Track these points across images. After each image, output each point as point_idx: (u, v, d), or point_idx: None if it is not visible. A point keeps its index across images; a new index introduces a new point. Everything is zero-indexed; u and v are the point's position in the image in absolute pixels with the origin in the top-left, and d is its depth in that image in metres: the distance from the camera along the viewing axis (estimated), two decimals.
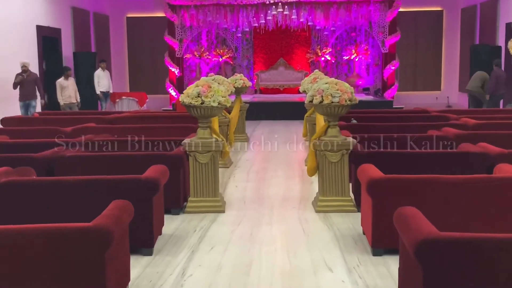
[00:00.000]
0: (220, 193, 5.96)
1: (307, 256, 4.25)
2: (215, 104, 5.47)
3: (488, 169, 5.28)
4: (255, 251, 4.37)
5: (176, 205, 5.50)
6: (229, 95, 8.12)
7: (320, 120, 7.09)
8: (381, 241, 4.23)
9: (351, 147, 5.56)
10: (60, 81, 12.21)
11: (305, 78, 10.76)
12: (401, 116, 9.15)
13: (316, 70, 10.87)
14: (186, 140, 5.68)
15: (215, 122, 7.27)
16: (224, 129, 8.10)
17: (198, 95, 5.48)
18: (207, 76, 13.95)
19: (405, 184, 4.18)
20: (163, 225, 4.86)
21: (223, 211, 5.59)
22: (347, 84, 5.59)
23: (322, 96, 5.47)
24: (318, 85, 5.57)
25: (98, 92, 14.01)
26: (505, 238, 2.71)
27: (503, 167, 4.52)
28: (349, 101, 5.47)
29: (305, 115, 8.26)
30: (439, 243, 2.71)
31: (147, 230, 4.22)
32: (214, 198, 5.62)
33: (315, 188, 6.36)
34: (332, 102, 5.43)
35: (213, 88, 5.52)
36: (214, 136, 5.76)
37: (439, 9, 17.97)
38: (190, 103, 5.47)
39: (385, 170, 4.63)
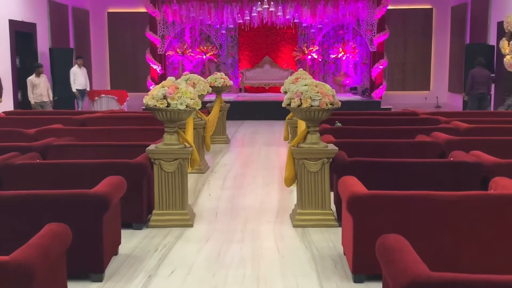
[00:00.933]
0: (190, 204, 5.44)
1: (279, 284, 3.74)
2: (183, 107, 4.95)
3: (482, 181, 4.81)
4: (221, 277, 3.85)
5: (139, 218, 4.98)
6: (206, 95, 7.61)
7: (302, 124, 6.58)
8: (363, 265, 3.73)
9: (332, 156, 5.05)
10: (31, 78, 11.61)
11: (289, 77, 10.27)
12: (389, 119, 8.67)
13: (300, 69, 10.38)
14: (151, 146, 5.15)
15: (190, 125, 6.76)
16: (200, 132, 7.58)
17: (164, 97, 4.95)
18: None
19: (391, 201, 3.68)
20: (119, 243, 4.33)
21: (191, 225, 5.07)
22: (328, 86, 5.08)
23: (300, 99, 4.96)
24: (296, 87, 5.06)
25: (74, 90, 13.41)
26: (503, 281, 2.23)
27: (500, 182, 4.04)
28: (330, 104, 4.96)
29: (287, 117, 7.77)
30: (429, 286, 2.21)
31: (96, 253, 3.68)
32: (182, 210, 5.09)
33: (295, 197, 5.85)
34: (312, 106, 4.92)
35: (180, 90, 4.99)
36: (183, 141, 5.23)
37: (428, 7, 17.54)
38: (155, 105, 4.94)
39: (369, 182, 4.15)
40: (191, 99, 5.03)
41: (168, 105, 4.94)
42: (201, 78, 7.55)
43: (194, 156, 5.31)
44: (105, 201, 3.69)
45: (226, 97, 14.60)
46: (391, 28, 16.23)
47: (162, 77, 16.58)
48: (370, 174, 4.88)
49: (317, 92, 4.94)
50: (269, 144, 10.14)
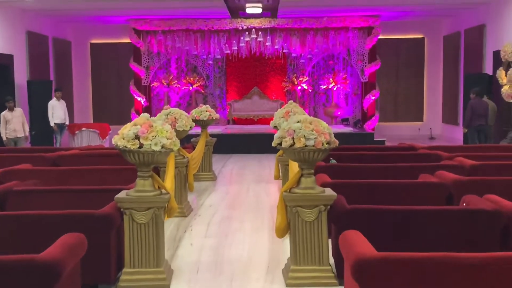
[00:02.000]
0: (166, 259, 4.73)
1: None
2: (157, 148, 4.29)
3: (502, 232, 4.18)
4: None
5: (106, 278, 4.27)
6: (189, 130, 6.98)
7: (294, 164, 5.94)
8: None
9: (331, 202, 4.40)
10: (4, 113, 10.94)
11: (278, 110, 9.68)
12: (386, 154, 8.06)
13: (291, 101, 9.78)
14: (121, 194, 4.46)
15: (170, 164, 6.09)
16: (183, 171, 6.91)
17: (136, 137, 4.29)
18: (177, 106, 12.80)
19: (405, 265, 3.02)
20: None
21: (168, 286, 4.36)
22: (324, 123, 4.46)
23: (293, 138, 4.33)
24: (288, 124, 4.43)
25: (52, 124, 12.72)
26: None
27: None
28: (327, 144, 4.33)
29: (277, 154, 7.13)
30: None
31: None
32: (157, 268, 4.38)
33: (288, 246, 5.17)
34: (306, 146, 4.28)
35: (155, 128, 4.34)
36: (159, 187, 4.55)
37: (420, 36, 17.15)
38: (125, 146, 4.28)
39: (372, 233, 3.53)
40: (167, 138, 4.38)
41: (141, 146, 4.28)
42: (183, 112, 6.92)
43: (171, 204, 4.62)
44: (55, 270, 3.00)
45: (214, 129, 14.01)
46: (383, 58, 15.79)
47: (147, 109, 15.99)
48: (373, 223, 4.25)
49: (312, 130, 4.31)
50: (259, 181, 9.48)
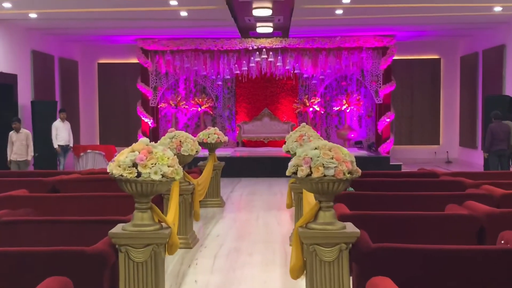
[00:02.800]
0: None
1: None
2: (157, 177, 3.80)
3: None
4: None
5: None
6: (195, 154, 6.50)
7: (309, 195, 5.43)
8: None
9: (353, 240, 3.88)
10: (11, 134, 10.55)
11: (290, 133, 9.20)
12: (407, 182, 7.53)
13: (303, 123, 9.29)
14: (116, 228, 3.97)
15: (175, 192, 5.59)
16: (188, 198, 6.42)
17: (134, 165, 3.81)
18: (183, 128, 12.44)
19: None
20: None
21: None
22: (345, 150, 3.96)
23: (310, 167, 3.82)
24: (304, 151, 3.93)
25: (55, 146, 12.29)
26: None
27: None
28: (348, 173, 3.82)
29: (289, 181, 6.63)
30: None
31: None
32: None
33: (302, 284, 4.64)
34: (325, 176, 3.78)
35: (155, 154, 3.86)
36: (159, 220, 4.06)
37: (436, 57, 16.67)
38: (122, 175, 3.80)
39: (401, 276, 3.01)
40: (169, 166, 3.89)
41: (139, 174, 3.80)
42: (189, 135, 6.44)
43: (173, 239, 4.11)
44: None
45: (222, 152, 13.55)
46: (397, 79, 15.33)
47: (155, 131, 15.59)
48: (401, 264, 3.74)
49: (332, 158, 3.81)
50: (269, 209, 8.96)
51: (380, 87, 15.11)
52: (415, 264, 3.78)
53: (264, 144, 15.99)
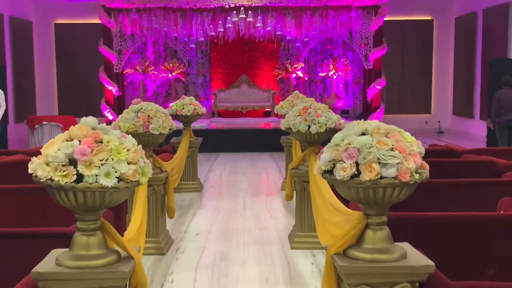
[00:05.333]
0: None
1: None
2: (110, 182, 2.34)
3: None
4: None
5: None
6: (168, 132, 4.99)
7: (324, 186, 4.01)
8: None
9: (424, 278, 2.49)
10: None
11: (281, 103, 7.75)
12: (433, 162, 6.14)
13: (296, 91, 7.93)
14: (45, 264, 2.49)
15: (140, 198, 4.04)
16: (160, 190, 4.95)
17: (71, 162, 2.33)
18: (149, 99, 10.86)
19: None
20: None
21: None
22: (409, 135, 2.55)
23: (357, 163, 2.39)
24: (345, 137, 2.49)
25: None
26: None
27: None
28: (416, 173, 2.41)
29: (290, 166, 5.18)
30: None
31: None
32: None
33: None
34: (381, 178, 2.36)
35: (106, 144, 2.40)
36: (113, 244, 2.59)
37: (428, 18, 15.29)
38: (51, 179, 2.33)
39: None
40: (129, 163, 2.43)
41: (80, 177, 2.33)
42: (160, 108, 4.93)
43: (137, 277, 2.65)
44: None
45: (196, 124, 11.98)
46: (386, 43, 13.90)
47: (120, 100, 13.95)
48: None
49: (392, 149, 2.39)
50: (256, 193, 7.56)
51: (370, 50, 13.68)
52: None
53: (242, 114, 14.51)
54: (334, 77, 14.40)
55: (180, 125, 7.71)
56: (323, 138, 4.92)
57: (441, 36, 15.30)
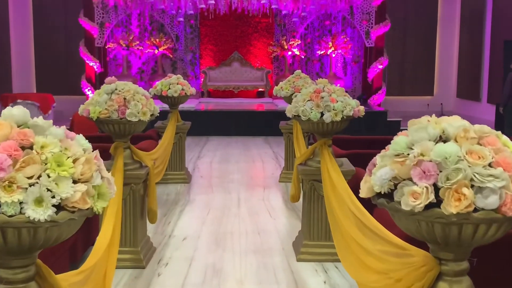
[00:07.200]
0: None
1: None
2: (45, 215, 1.45)
3: None
4: None
5: None
6: (150, 119, 4.08)
7: (339, 189, 3.15)
8: None
9: None
10: None
11: (281, 84, 6.83)
12: None
13: (298, 71, 7.01)
14: None
15: (110, 213, 3.15)
16: (139, 189, 4.07)
17: None
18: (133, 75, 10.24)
19: None
20: None
21: None
22: (505, 138, 1.67)
23: (435, 185, 1.52)
24: (416, 142, 1.61)
25: None
26: None
27: None
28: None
29: (296, 162, 4.30)
30: None
31: None
32: None
33: None
34: (475, 210, 1.50)
35: (39, 151, 1.50)
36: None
37: None
38: None
39: None
40: (76, 181, 1.55)
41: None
42: (139, 89, 4.01)
43: None
44: None
45: (184, 105, 11.05)
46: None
47: (102, 77, 12.87)
48: None
49: (489, 165, 1.52)
50: (251, 185, 6.69)
51: (372, 27, 12.76)
52: None
53: (233, 94, 13.58)
54: (333, 55, 13.47)
55: (166, 107, 6.82)
56: (339, 129, 4.07)
57: (446, 13, 14.39)
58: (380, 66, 12.57)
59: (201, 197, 6.10)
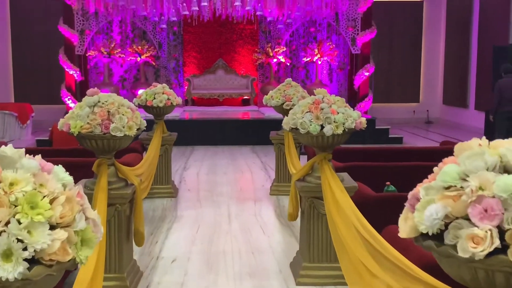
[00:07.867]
0: None
1: None
2: (15, 272, 1.13)
3: None
4: None
5: None
6: (137, 133, 3.76)
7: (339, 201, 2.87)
8: None
9: None
10: None
11: (271, 93, 6.54)
12: None
13: (289, 79, 6.71)
14: None
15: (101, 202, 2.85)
16: (125, 209, 3.75)
17: None
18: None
19: None
20: None
21: None
22: None
23: (499, 227, 1.23)
24: (467, 171, 1.33)
25: None
26: None
27: None
28: None
29: (294, 177, 4.01)
30: None
31: None
32: None
33: None
34: None
35: (3, 193, 1.17)
36: None
37: None
38: None
39: None
40: (53, 226, 1.23)
41: None
42: (125, 101, 3.69)
43: None
44: None
45: (169, 114, 10.73)
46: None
47: (82, 85, 12.52)
48: None
49: None
50: (242, 199, 6.38)
51: (357, 33, 12.56)
52: None
53: (218, 102, 13.27)
54: (319, 62, 13.24)
55: (150, 117, 6.49)
56: (340, 142, 3.79)
57: (431, 20, 14.27)
58: (367, 73, 12.36)
59: (189, 213, 5.77)
